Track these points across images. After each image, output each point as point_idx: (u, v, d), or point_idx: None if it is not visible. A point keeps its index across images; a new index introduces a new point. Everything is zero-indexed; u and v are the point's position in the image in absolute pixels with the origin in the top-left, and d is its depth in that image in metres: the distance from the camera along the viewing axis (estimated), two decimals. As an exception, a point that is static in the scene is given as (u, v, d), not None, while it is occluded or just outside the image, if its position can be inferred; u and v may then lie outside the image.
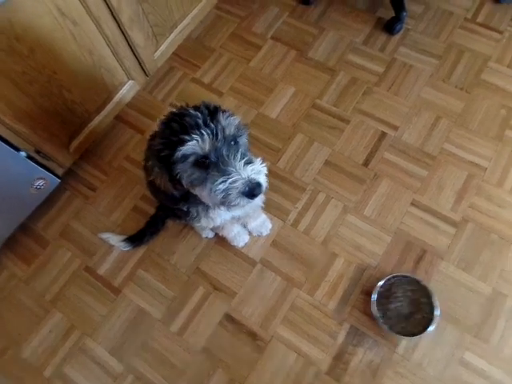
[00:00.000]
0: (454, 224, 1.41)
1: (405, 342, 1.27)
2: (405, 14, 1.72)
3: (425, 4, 1.83)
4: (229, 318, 1.35)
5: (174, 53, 1.83)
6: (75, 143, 1.54)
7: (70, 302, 1.43)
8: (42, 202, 1.50)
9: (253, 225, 1.41)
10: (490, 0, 1.79)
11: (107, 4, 1.33)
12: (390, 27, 1.76)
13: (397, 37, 1.77)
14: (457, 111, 1.60)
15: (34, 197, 1.45)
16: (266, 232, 1.44)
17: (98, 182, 1.62)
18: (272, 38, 1.84)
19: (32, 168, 1.35)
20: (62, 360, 1.35)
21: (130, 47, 1.54)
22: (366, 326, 1.30)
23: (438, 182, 1.48)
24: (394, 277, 1.29)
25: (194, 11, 1.81)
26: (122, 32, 1.46)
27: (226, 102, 1.70)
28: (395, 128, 1.59)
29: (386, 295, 1.28)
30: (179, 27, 1.78)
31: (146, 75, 1.74)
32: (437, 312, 1.22)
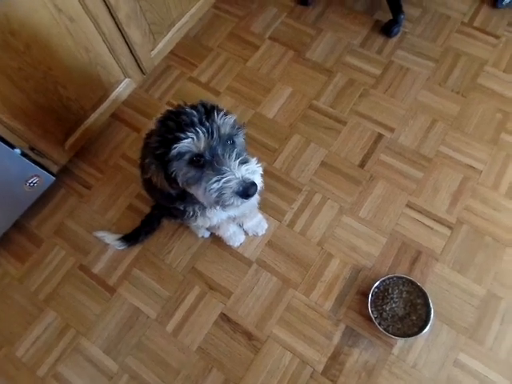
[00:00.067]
0: (449, 226, 1.42)
1: (400, 342, 1.27)
2: (402, 17, 1.72)
3: (422, 8, 1.84)
4: (224, 317, 1.35)
5: (171, 51, 1.83)
6: (70, 141, 1.53)
7: (65, 301, 1.42)
8: (36, 199, 1.49)
9: (249, 224, 1.41)
10: (487, 4, 1.81)
11: (104, 1, 1.32)
12: (387, 30, 1.77)
13: (394, 39, 1.78)
14: (453, 114, 1.61)
15: (28, 194, 1.43)
16: (261, 232, 1.44)
17: (93, 180, 1.61)
18: (270, 38, 1.84)
19: (26, 165, 1.34)
20: (56, 359, 1.34)
21: (127, 45, 1.53)
22: (361, 326, 1.30)
23: (434, 184, 1.49)
24: (389, 278, 1.30)
25: (192, 10, 1.80)
26: (119, 29, 1.45)
27: (223, 102, 1.70)
28: (391, 130, 1.60)
29: (381, 296, 1.28)
30: (177, 25, 1.77)
31: (143, 73, 1.74)
32: (432, 313, 1.22)
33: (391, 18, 1.75)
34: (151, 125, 1.54)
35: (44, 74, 1.28)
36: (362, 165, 1.54)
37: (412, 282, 1.28)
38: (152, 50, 1.70)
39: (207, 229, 1.40)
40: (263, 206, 1.47)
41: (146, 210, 1.49)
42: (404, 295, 1.28)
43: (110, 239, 1.43)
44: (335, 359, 1.27)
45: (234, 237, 1.40)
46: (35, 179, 1.39)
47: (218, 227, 1.28)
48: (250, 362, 1.29)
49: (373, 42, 1.79)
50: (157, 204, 1.38)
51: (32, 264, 1.48)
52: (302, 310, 1.34)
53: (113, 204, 1.55)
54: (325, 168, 1.55)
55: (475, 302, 1.31)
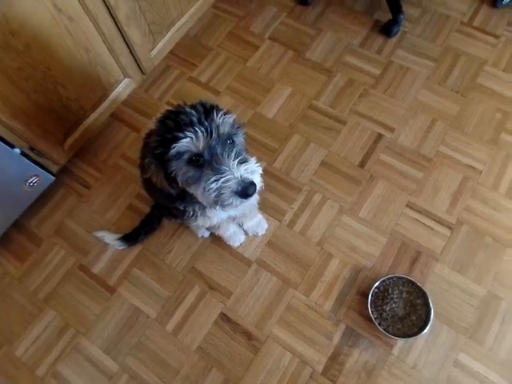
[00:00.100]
0: (449, 226, 1.42)
1: (400, 343, 1.27)
2: (402, 16, 1.72)
3: (422, 7, 1.84)
4: (224, 317, 1.35)
5: (170, 51, 1.83)
6: (70, 140, 1.53)
7: (64, 301, 1.42)
8: (35, 199, 1.49)
9: (249, 224, 1.41)
10: (487, 4, 1.81)
11: (104, 1, 1.32)
12: (387, 30, 1.77)
13: (394, 39, 1.78)
14: (452, 114, 1.61)
15: (28, 194, 1.43)
16: (261, 232, 1.44)
17: (92, 179, 1.61)
18: (269, 38, 1.84)
19: (26, 165, 1.34)
20: (55, 359, 1.34)
21: (127, 45, 1.53)
22: (361, 326, 1.30)
23: (434, 184, 1.49)
24: (389, 278, 1.30)
25: (192, 10, 1.80)
26: (119, 29, 1.45)
27: (223, 102, 1.70)
28: (391, 130, 1.60)
29: (381, 296, 1.28)
30: (176, 25, 1.77)
31: (143, 73, 1.74)
32: (432, 313, 1.22)
33: (391, 17, 1.75)
34: (151, 125, 1.54)
35: (44, 74, 1.29)
36: (361, 165, 1.54)
37: (412, 283, 1.28)
38: (152, 49, 1.70)
39: (207, 229, 1.40)
40: (263, 206, 1.47)
41: (146, 209, 1.49)
42: (404, 295, 1.28)
43: (110, 239, 1.43)
44: (335, 359, 1.27)
45: (234, 237, 1.40)
46: (35, 179, 1.39)
47: (218, 227, 1.28)
48: (250, 361, 1.29)
49: (372, 41, 1.79)
50: (156, 204, 1.38)
51: (32, 263, 1.48)
52: (301, 310, 1.34)
53: (112, 204, 1.55)
54: (325, 168, 1.55)
55: (475, 302, 1.31)
